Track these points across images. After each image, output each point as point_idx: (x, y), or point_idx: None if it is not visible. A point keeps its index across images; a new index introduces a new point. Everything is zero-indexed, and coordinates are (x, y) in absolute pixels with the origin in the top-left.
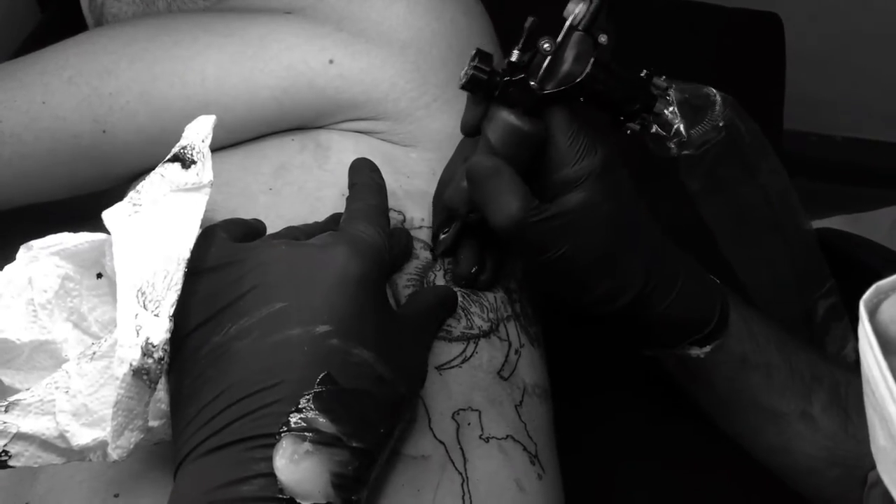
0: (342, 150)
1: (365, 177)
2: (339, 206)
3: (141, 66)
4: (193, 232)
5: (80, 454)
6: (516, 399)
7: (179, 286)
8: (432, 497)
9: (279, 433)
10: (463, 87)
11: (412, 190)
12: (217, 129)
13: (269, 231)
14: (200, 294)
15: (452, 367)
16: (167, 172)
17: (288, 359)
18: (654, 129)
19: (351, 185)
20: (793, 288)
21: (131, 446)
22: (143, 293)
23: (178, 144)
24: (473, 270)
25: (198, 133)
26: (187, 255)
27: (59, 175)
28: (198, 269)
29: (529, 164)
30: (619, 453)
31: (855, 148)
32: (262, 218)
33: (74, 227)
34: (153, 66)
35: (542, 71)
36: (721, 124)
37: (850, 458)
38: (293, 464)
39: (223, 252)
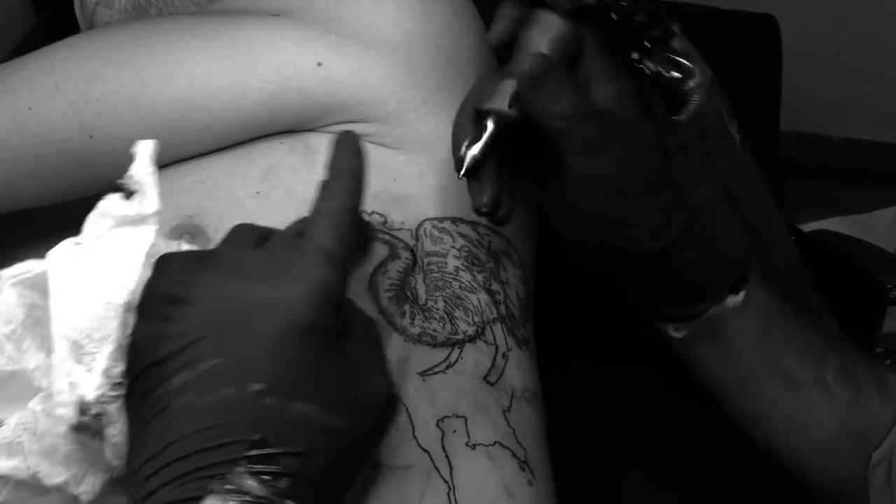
0: None
1: (345, 162)
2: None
3: (128, 70)
4: (134, 273)
5: (56, 490)
6: (504, 404)
7: (115, 337)
8: None
9: (208, 496)
10: None
11: (397, 193)
12: (205, 132)
13: None
14: (150, 333)
15: (436, 373)
16: (107, 205)
17: (223, 421)
18: (671, 73)
19: (330, 167)
20: (774, 278)
21: (97, 489)
22: (78, 345)
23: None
24: (493, 197)
25: (138, 162)
26: (126, 299)
27: (47, 181)
28: (148, 302)
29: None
30: (614, 458)
31: (852, 148)
32: (248, 221)
33: (62, 232)
34: (140, 70)
35: None
36: (707, 98)
37: (861, 429)
38: None
39: (174, 287)
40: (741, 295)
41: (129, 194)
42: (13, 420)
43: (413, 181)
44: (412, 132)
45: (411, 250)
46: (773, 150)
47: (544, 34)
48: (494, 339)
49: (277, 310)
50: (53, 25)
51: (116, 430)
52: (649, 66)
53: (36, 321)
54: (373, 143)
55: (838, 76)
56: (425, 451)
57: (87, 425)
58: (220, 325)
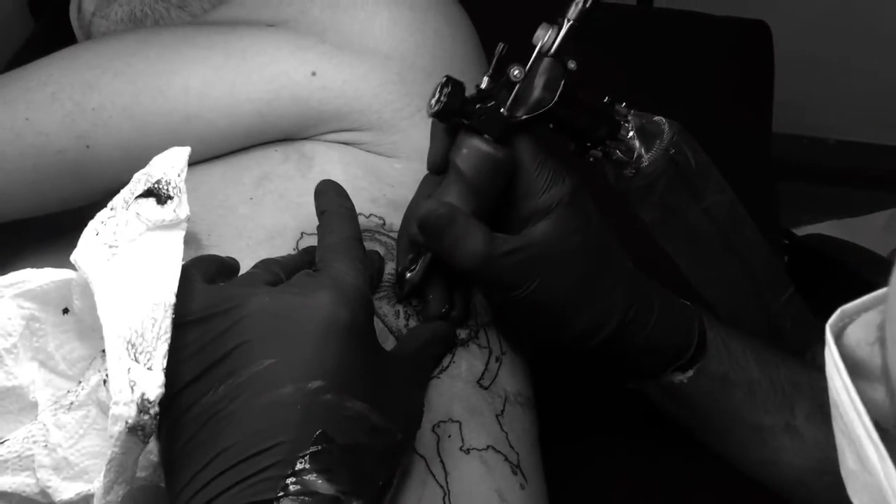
0: (326, 160)
1: (333, 203)
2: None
3: (124, 80)
4: (176, 274)
5: None
6: (497, 408)
7: (168, 335)
8: None
9: (277, 499)
10: (434, 116)
11: (395, 198)
12: (200, 142)
13: (247, 242)
14: (188, 349)
15: (431, 378)
16: (142, 210)
17: (282, 419)
18: (616, 155)
19: (320, 213)
20: (754, 301)
21: (118, 500)
22: (132, 344)
23: (143, 173)
24: (444, 309)
25: (173, 166)
26: (173, 300)
27: (45, 191)
28: (181, 320)
29: (500, 194)
30: (605, 467)
31: (847, 151)
32: (241, 227)
33: (55, 240)
34: (136, 80)
35: (511, 98)
36: (671, 151)
37: (837, 467)
38: None
39: (205, 301)
40: (689, 373)
41: (162, 200)
42: (20, 433)
43: (410, 188)
44: (407, 140)
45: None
46: (765, 153)
47: (467, 161)
48: (488, 342)
49: (316, 312)
50: (51, 34)
51: (152, 440)
52: (594, 153)
53: (32, 333)
54: (368, 151)
55: (833, 78)
56: (421, 456)
57: (143, 426)
58: (262, 328)
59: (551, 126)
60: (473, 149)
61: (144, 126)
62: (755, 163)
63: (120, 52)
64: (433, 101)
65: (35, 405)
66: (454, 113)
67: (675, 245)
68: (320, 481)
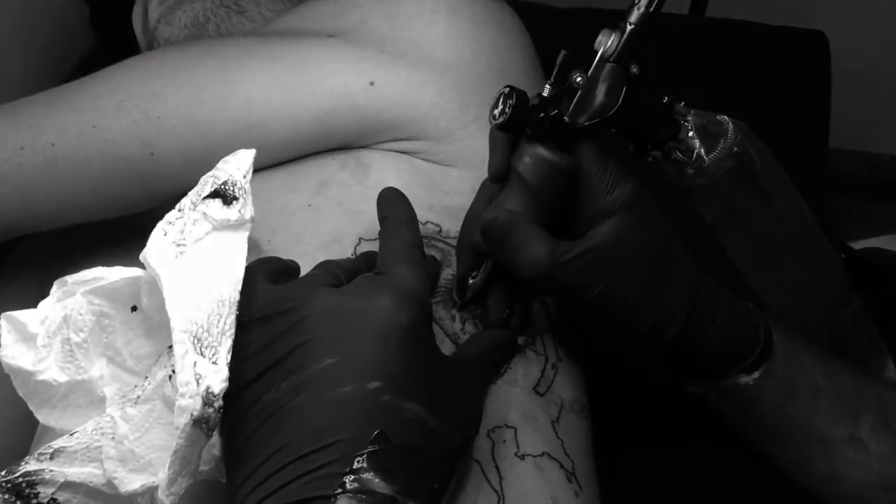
0: (382, 168)
1: (395, 210)
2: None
3: (188, 90)
4: (240, 273)
5: (128, 500)
6: (553, 415)
7: (233, 331)
8: None
9: (335, 495)
10: (500, 128)
11: (451, 205)
12: (260, 150)
13: (305, 248)
14: (252, 347)
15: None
16: (209, 210)
17: (341, 417)
18: (675, 155)
19: (381, 219)
20: (819, 312)
21: (182, 492)
22: (198, 339)
23: (210, 176)
24: (505, 315)
25: (238, 168)
26: (237, 297)
27: (108, 196)
28: (246, 319)
29: (563, 200)
30: (661, 474)
31: None
32: (300, 233)
33: (127, 242)
34: (199, 90)
35: (573, 104)
36: (735, 150)
37: None
38: None
39: (269, 301)
40: (756, 374)
41: (228, 200)
42: (89, 426)
43: (467, 195)
44: (463, 149)
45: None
46: (821, 167)
47: (530, 169)
48: (545, 349)
49: (377, 314)
50: (111, 47)
51: (215, 433)
52: (654, 154)
53: (102, 329)
54: (425, 160)
55: (890, 93)
56: (476, 461)
57: (208, 419)
58: (324, 328)
59: (613, 130)
60: (537, 157)
61: (206, 134)
62: (811, 176)
63: (184, 64)
64: (496, 112)
65: (103, 399)
66: (519, 124)
67: (738, 248)
68: (377, 480)
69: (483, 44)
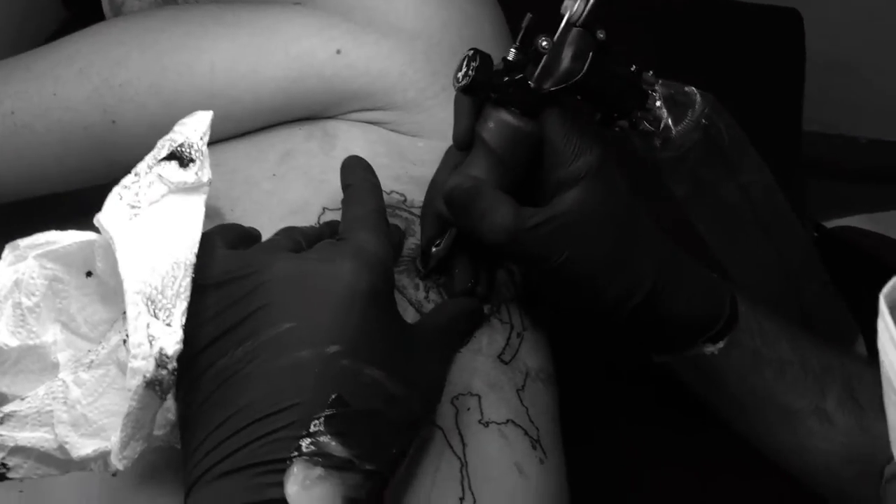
0: (349, 138)
1: (359, 178)
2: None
3: (151, 56)
4: (196, 235)
5: (81, 465)
6: (518, 383)
7: (188, 294)
8: (430, 482)
9: (290, 458)
10: (462, 90)
11: (417, 175)
12: (225, 119)
13: (269, 217)
14: (209, 312)
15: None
16: (165, 172)
17: (298, 381)
18: (643, 125)
19: (345, 187)
20: (786, 286)
21: (135, 455)
22: (152, 301)
23: (167, 139)
24: (470, 284)
25: (195, 130)
26: (193, 259)
27: (71, 165)
28: (203, 283)
29: (528, 167)
30: (629, 444)
31: (880, 150)
32: (264, 203)
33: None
34: (162, 56)
35: (539, 69)
36: (703, 122)
37: (866, 454)
38: (305, 490)
39: (227, 265)
40: (720, 344)
41: (184, 162)
42: (41, 390)
43: (433, 166)
44: (431, 119)
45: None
46: (795, 143)
47: (495, 134)
48: (510, 318)
49: (337, 279)
50: (82, 21)
51: (170, 397)
52: (620, 124)
53: (55, 294)
54: (392, 130)
55: (866, 76)
56: (439, 428)
57: (161, 380)
58: (283, 292)
59: (578, 97)
60: (501, 122)
61: (170, 102)
62: (784, 152)
63: (147, 29)
64: (460, 75)
65: (56, 365)
66: (482, 86)
67: (706, 221)
68: (334, 443)
69: (453, 12)
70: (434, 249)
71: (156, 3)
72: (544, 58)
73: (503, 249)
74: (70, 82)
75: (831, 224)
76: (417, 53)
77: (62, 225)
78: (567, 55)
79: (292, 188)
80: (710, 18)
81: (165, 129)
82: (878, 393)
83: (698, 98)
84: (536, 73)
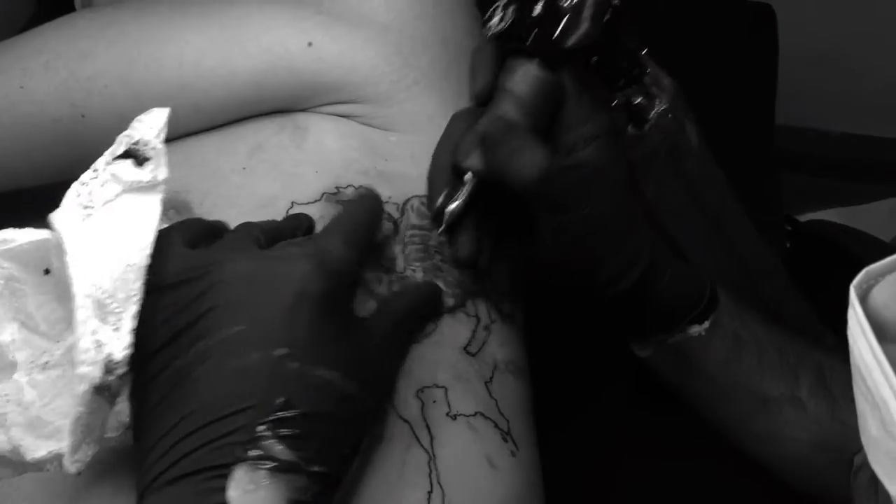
0: (321, 131)
1: (362, 205)
2: (313, 184)
3: (119, 49)
4: (151, 237)
5: (36, 467)
6: (486, 375)
7: (140, 297)
8: (398, 476)
9: (235, 463)
10: (497, 37)
11: (387, 171)
12: (195, 112)
13: (238, 210)
14: (163, 313)
15: (412, 343)
16: (119, 171)
17: (247, 385)
18: (639, 100)
19: (346, 205)
20: (746, 285)
21: (88, 458)
22: (101, 305)
23: (125, 135)
24: (474, 250)
25: (151, 128)
26: (146, 262)
27: (40, 160)
28: (157, 284)
29: (548, 121)
30: (604, 435)
31: (851, 144)
32: (233, 196)
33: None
34: (131, 49)
35: (562, 25)
36: (669, 116)
37: (838, 442)
38: (247, 494)
39: (183, 266)
40: (706, 324)
41: (140, 161)
42: None
43: (404, 161)
44: (403, 113)
45: (394, 222)
46: (767, 138)
47: (522, 84)
48: (476, 311)
49: (290, 280)
50: (53, 13)
51: (123, 399)
52: (620, 96)
53: (12, 293)
54: (364, 124)
55: (838, 70)
56: (406, 421)
57: (109, 386)
58: (234, 294)
59: (590, 61)
60: (528, 73)
61: (139, 95)
62: (756, 147)
63: (115, 21)
64: (495, 20)
65: (14, 365)
66: (515, 35)
67: (671, 219)
68: (280, 447)
69: (426, 5)
70: (451, 205)
71: None
72: (567, 16)
73: (530, 189)
74: (37, 75)
75: (804, 218)
76: (389, 46)
77: (21, 223)
78: (587, 16)
79: (262, 182)
80: (683, 12)
81: None
82: (849, 383)
83: (672, 89)
84: (559, 30)
